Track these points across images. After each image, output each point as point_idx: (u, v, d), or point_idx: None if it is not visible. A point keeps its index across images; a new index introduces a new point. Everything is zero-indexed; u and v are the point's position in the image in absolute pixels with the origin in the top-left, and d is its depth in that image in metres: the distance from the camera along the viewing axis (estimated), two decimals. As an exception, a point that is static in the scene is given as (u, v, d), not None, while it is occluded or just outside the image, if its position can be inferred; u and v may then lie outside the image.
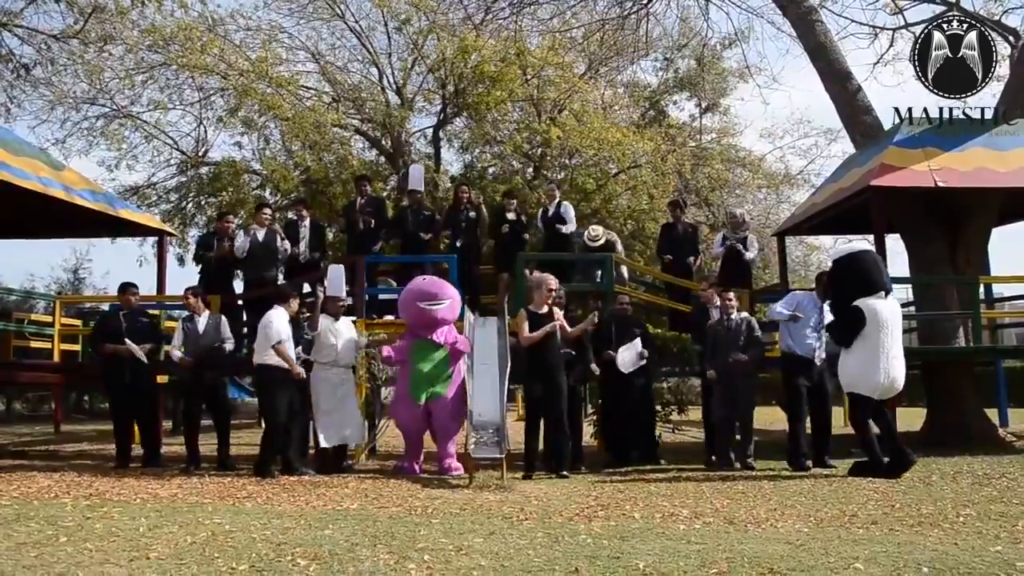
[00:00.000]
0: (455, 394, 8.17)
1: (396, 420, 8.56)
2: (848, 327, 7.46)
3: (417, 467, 8.15)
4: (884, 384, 7.38)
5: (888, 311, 7.41)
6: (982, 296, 11.02)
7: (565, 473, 7.64)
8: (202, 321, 8.61)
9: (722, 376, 8.37)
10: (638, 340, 8.55)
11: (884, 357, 7.32)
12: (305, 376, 7.96)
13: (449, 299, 8.29)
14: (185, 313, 8.89)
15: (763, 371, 9.46)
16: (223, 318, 8.81)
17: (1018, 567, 3.94)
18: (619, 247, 11.17)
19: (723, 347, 8.40)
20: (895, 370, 7.39)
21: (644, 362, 8.53)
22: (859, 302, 7.37)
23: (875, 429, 7.58)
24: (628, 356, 8.48)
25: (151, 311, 10.13)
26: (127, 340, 8.55)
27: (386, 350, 8.39)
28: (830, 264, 8.05)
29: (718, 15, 78.25)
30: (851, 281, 7.53)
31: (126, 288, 9.06)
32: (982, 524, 5.06)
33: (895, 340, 7.41)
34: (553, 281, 8.10)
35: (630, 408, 8.56)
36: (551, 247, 10.81)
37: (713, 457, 8.56)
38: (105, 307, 15.43)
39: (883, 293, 7.46)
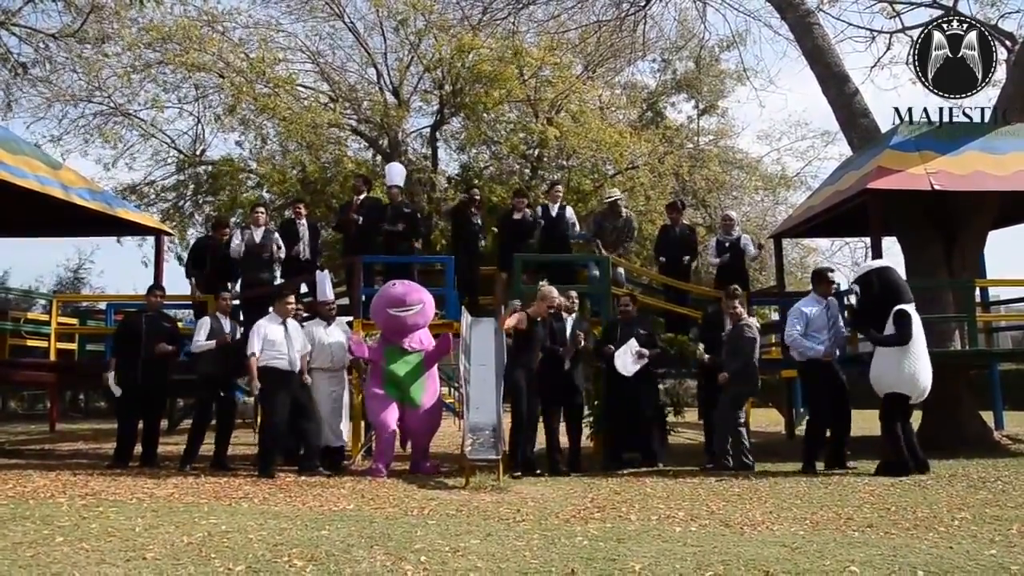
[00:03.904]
0: (429, 405, 8.21)
1: (369, 416, 8.50)
2: (901, 329, 7.77)
3: (384, 469, 7.89)
4: (923, 386, 7.83)
5: (918, 319, 7.89)
6: (978, 299, 11.04)
7: (539, 472, 7.80)
8: (227, 322, 8.62)
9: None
10: (632, 341, 8.51)
11: (923, 362, 7.80)
12: (260, 387, 7.83)
13: (420, 304, 8.22)
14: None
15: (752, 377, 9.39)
16: (240, 329, 8.78)
17: (1013, 570, 3.96)
18: (634, 223, 11.54)
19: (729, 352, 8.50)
20: (929, 375, 7.85)
21: (645, 361, 8.52)
22: (904, 307, 7.79)
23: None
24: (625, 359, 8.45)
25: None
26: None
27: (357, 346, 8.34)
28: (858, 278, 8.37)
29: (715, 17, 78.43)
30: (888, 291, 7.93)
31: (151, 290, 9.10)
32: (977, 527, 5.07)
33: (924, 347, 7.87)
34: (556, 300, 8.30)
35: (632, 410, 8.55)
36: (550, 247, 10.82)
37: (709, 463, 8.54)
38: (101, 306, 15.44)
39: (912, 304, 7.92)
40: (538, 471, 7.90)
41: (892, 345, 7.86)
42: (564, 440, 8.47)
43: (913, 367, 7.76)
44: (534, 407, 8.15)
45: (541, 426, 8.42)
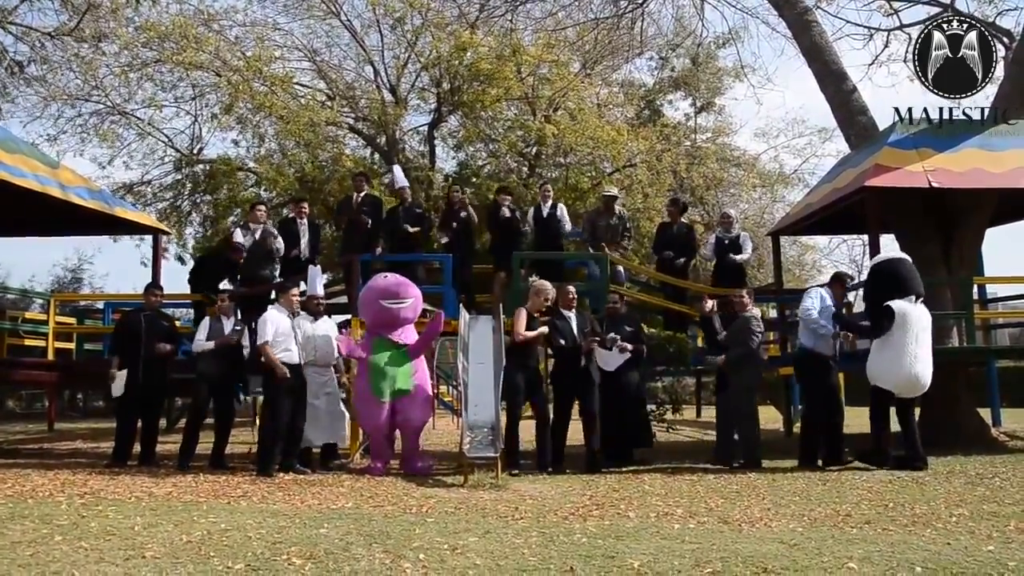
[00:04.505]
0: (419, 390, 8.12)
1: (358, 418, 8.54)
2: (878, 323, 7.86)
3: (382, 467, 7.94)
4: (905, 381, 7.80)
5: (916, 314, 7.85)
6: (976, 296, 11.05)
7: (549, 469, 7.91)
8: (228, 324, 8.60)
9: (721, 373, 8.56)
10: (614, 335, 8.52)
11: (908, 356, 7.73)
12: (288, 376, 7.83)
13: (412, 298, 8.24)
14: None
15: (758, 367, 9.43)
16: (246, 328, 8.72)
17: (1010, 567, 3.96)
18: (628, 223, 11.45)
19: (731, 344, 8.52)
20: (919, 370, 7.79)
21: (627, 356, 8.48)
22: (890, 302, 7.80)
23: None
24: (608, 354, 8.43)
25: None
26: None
27: (346, 344, 8.35)
28: (869, 269, 8.49)
29: (713, 15, 78.33)
30: (884, 284, 7.98)
31: (149, 289, 9.07)
32: (975, 524, 5.08)
33: (921, 342, 7.83)
34: (551, 293, 8.34)
35: (622, 406, 8.52)
36: (544, 246, 10.81)
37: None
38: (99, 305, 15.44)
39: (913, 297, 7.91)
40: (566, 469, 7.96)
41: (864, 336, 8.01)
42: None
43: (891, 361, 7.76)
44: (566, 406, 8.28)
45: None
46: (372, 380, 8.05)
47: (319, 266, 9.17)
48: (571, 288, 8.70)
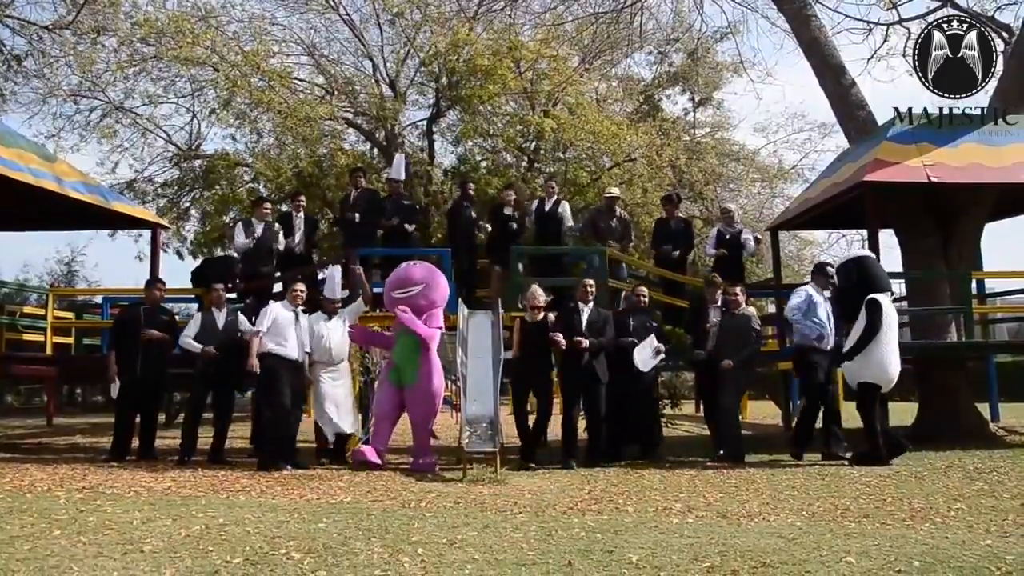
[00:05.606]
0: (422, 386, 7.99)
1: (373, 402, 8.62)
2: (872, 316, 7.86)
3: (371, 453, 7.72)
4: (893, 376, 7.88)
5: (892, 309, 7.99)
6: (974, 291, 11.06)
7: (539, 464, 7.92)
8: (221, 316, 8.59)
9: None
10: (652, 337, 8.46)
11: (894, 351, 7.85)
12: (258, 370, 7.89)
13: (420, 285, 8.12)
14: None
15: (756, 366, 9.42)
16: (240, 314, 8.72)
17: (1008, 560, 3.97)
18: (630, 226, 11.50)
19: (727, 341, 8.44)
20: (898, 365, 7.91)
21: (662, 357, 8.47)
22: (874, 296, 7.86)
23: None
24: (645, 354, 8.38)
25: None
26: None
27: (354, 330, 8.48)
28: (838, 267, 8.50)
29: (712, 9, 78.07)
30: (860, 281, 8.04)
31: (150, 284, 9.07)
32: (973, 518, 5.09)
33: (895, 337, 7.95)
34: (541, 298, 8.34)
35: (633, 402, 8.49)
36: (545, 242, 10.80)
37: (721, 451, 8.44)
38: (97, 300, 15.43)
39: (888, 293, 8.06)
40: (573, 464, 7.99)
41: (867, 340, 7.85)
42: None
43: (882, 356, 7.80)
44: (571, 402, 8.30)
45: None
46: (390, 366, 8.17)
47: (339, 266, 9.02)
48: (589, 281, 8.60)
